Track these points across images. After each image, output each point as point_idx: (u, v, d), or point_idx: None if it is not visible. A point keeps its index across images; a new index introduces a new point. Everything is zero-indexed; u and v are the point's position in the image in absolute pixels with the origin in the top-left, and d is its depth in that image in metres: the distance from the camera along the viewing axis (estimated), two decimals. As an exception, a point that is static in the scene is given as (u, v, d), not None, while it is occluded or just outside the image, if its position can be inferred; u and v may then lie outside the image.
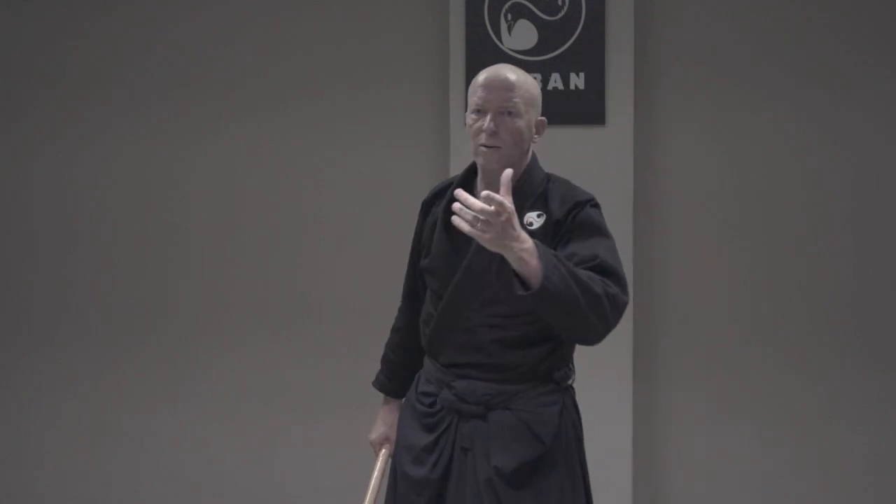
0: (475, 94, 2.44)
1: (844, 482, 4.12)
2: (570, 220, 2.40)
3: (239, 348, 4.34)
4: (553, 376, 2.49)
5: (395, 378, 2.81)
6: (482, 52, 4.03)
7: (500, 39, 4.04)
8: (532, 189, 2.46)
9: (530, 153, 2.50)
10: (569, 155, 3.98)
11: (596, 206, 2.46)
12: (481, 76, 2.47)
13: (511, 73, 2.47)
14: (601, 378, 3.98)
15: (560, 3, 4.01)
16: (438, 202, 2.61)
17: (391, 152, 4.26)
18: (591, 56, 4.00)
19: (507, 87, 2.42)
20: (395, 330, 2.86)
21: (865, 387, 4.10)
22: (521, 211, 2.39)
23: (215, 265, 4.38)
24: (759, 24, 4.10)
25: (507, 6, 4.03)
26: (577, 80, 4.01)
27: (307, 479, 4.33)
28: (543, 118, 2.51)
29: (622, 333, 4.01)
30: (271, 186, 4.33)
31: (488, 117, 2.40)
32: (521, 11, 4.03)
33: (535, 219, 2.43)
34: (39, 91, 4.42)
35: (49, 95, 4.41)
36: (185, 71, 4.35)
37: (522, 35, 4.04)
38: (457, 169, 3.96)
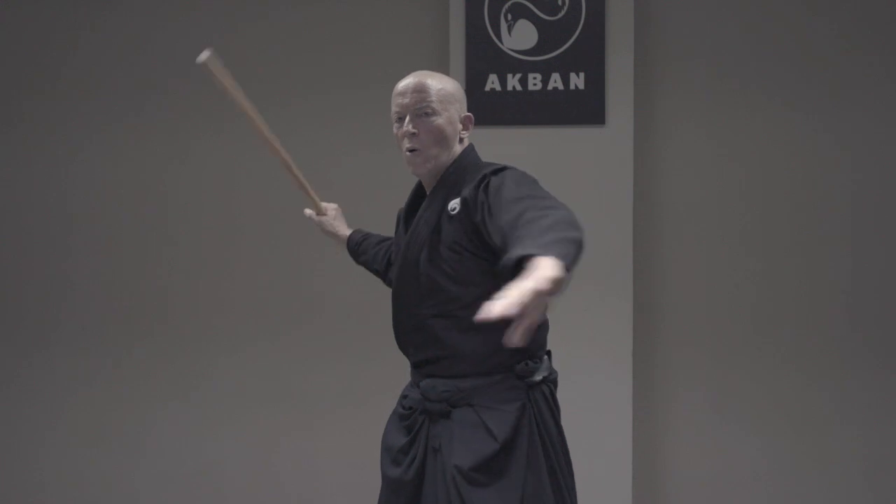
0: (393, 104, 2.55)
1: (844, 481, 4.12)
2: (476, 196, 2.34)
3: (239, 349, 4.35)
4: (514, 369, 2.47)
5: (360, 248, 3.10)
6: (482, 52, 4.03)
7: (500, 39, 4.05)
8: (457, 178, 2.49)
9: (461, 148, 2.55)
10: (569, 155, 3.99)
11: (503, 169, 2.38)
12: (398, 85, 2.55)
13: (424, 77, 2.55)
14: (601, 376, 3.98)
15: (560, 3, 4.01)
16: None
17: (391, 152, 4.25)
18: (591, 56, 4.00)
19: (419, 89, 2.50)
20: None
21: (865, 386, 4.10)
22: (447, 199, 2.46)
23: (215, 265, 4.38)
24: (759, 24, 4.10)
25: (507, 6, 4.03)
26: (577, 80, 4.01)
27: (307, 479, 4.33)
28: (469, 114, 2.59)
29: (622, 332, 4.02)
30: (271, 186, 4.33)
31: (406, 120, 2.49)
32: (521, 11, 4.03)
33: (456, 204, 2.44)
34: (39, 91, 4.42)
35: (49, 95, 4.41)
36: (184, 71, 4.34)
37: (522, 35, 4.04)
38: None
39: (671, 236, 4.16)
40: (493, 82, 4.04)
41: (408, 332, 2.57)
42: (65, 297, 4.43)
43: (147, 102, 4.37)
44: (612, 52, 4.01)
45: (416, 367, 2.59)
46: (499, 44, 4.04)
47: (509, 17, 4.04)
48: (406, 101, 2.51)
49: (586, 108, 4.01)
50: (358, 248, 3.11)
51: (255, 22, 4.32)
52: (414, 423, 2.53)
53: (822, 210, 4.11)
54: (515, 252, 1.95)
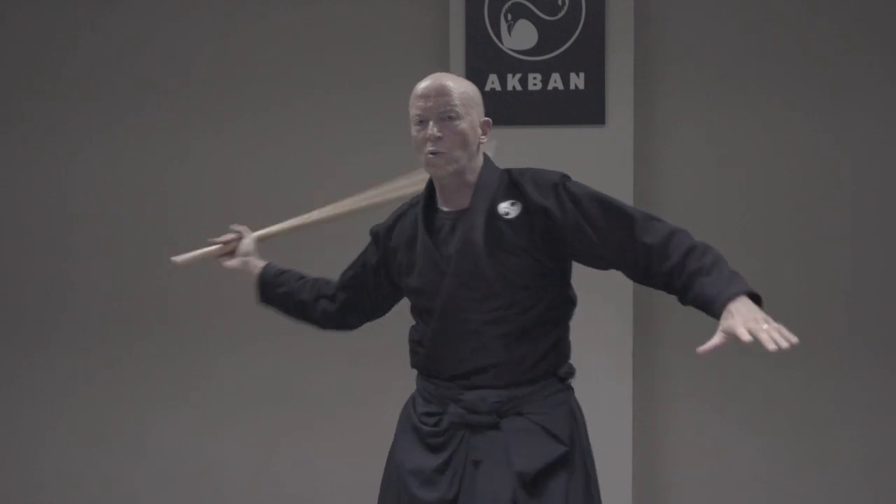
0: (414, 106, 2.47)
1: (844, 481, 4.12)
2: (563, 206, 2.42)
3: (239, 349, 4.35)
4: (557, 373, 2.50)
5: (279, 279, 2.97)
6: (482, 52, 4.03)
7: (500, 39, 4.04)
8: (492, 183, 2.48)
9: (481, 154, 2.52)
10: (569, 155, 3.99)
11: (567, 177, 2.49)
12: (418, 87, 2.48)
13: (446, 79, 2.48)
14: (601, 377, 3.98)
15: (560, 3, 4.01)
16: (398, 225, 2.63)
17: (391, 152, 4.25)
18: (591, 56, 4.00)
19: (443, 92, 2.44)
20: (321, 282, 2.93)
21: (865, 386, 4.10)
22: (492, 204, 2.44)
23: (215, 265, 4.37)
24: (759, 25, 4.10)
25: (507, 6, 4.03)
26: (577, 80, 4.01)
27: (307, 479, 4.33)
28: (488, 119, 2.54)
29: (622, 333, 4.02)
30: (271, 186, 4.33)
31: (430, 124, 2.43)
32: (521, 11, 4.03)
33: (509, 207, 2.43)
34: (39, 91, 4.42)
35: (49, 95, 4.41)
36: (184, 71, 4.35)
37: (522, 35, 4.04)
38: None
39: (671, 236, 4.15)
40: (493, 82, 4.04)
41: (453, 342, 2.48)
42: (65, 297, 4.43)
43: (147, 102, 4.36)
44: (612, 52, 4.01)
45: (454, 379, 2.48)
46: (499, 44, 4.04)
47: (509, 17, 4.04)
48: (429, 104, 2.43)
49: (586, 108, 4.01)
50: (282, 283, 2.99)
51: (255, 22, 4.32)
52: (449, 439, 2.46)
53: (822, 210, 4.11)
54: (713, 292, 2.53)
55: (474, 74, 4.03)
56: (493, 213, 2.43)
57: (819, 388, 4.11)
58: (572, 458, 2.45)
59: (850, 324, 4.10)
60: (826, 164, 4.10)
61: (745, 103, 4.11)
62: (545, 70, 4.01)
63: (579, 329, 3.97)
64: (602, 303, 3.98)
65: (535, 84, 4.03)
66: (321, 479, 4.32)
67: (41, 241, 4.44)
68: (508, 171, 2.51)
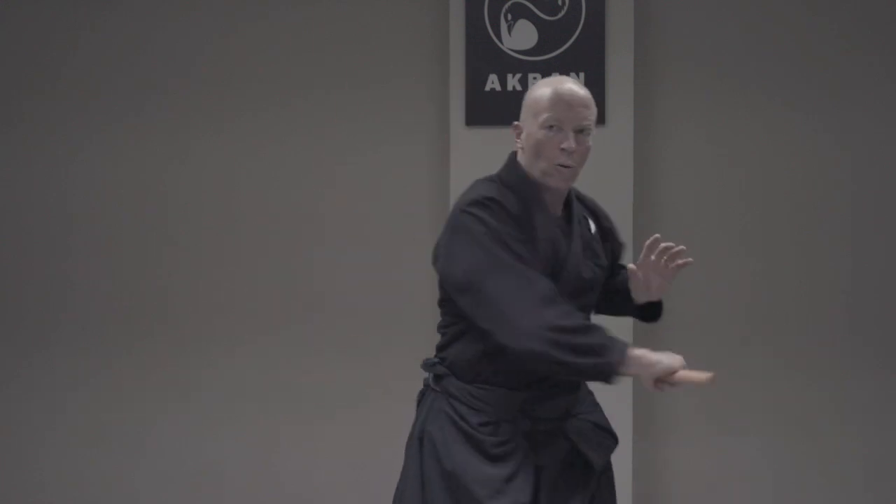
0: (551, 109, 2.35)
1: (844, 481, 4.12)
2: (614, 234, 2.69)
3: (239, 349, 4.35)
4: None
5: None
6: (482, 52, 4.03)
7: (500, 39, 4.05)
8: (572, 204, 2.54)
9: None
10: (569, 155, 3.99)
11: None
12: (557, 89, 2.37)
13: (582, 88, 2.40)
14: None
15: (560, 3, 4.01)
16: (522, 212, 2.41)
17: (391, 152, 4.26)
18: (591, 56, 4.00)
19: (584, 104, 2.37)
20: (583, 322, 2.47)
21: (865, 386, 4.10)
22: (583, 218, 2.53)
23: (215, 265, 4.38)
24: (759, 25, 4.10)
25: (507, 6, 4.03)
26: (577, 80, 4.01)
27: (307, 479, 4.33)
28: None
29: (622, 332, 4.00)
30: (271, 186, 4.33)
31: (569, 135, 2.35)
32: (521, 11, 4.03)
33: (589, 221, 2.58)
34: (39, 91, 4.42)
35: (49, 95, 4.41)
36: (184, 71, 4.35)
37: (522, 35, 4.04)
38: (456, 168, 3.98)
39: (671, 236, 4.12)
40: (493, 82, 4.04)
41: None
42: (65, 297, 4.42)
43: (147, 102, 4.36)
44: (612, 52, 4.01)
45: (531, 387, 2.40)
46: (499, 44, 4.04)
47: (509, 17, 4.04)
48: (571, 113, 2.34)
49: (586, 108, 4.01)
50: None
51: (255, 22, 4.31)
52: (516, 447, 2.39)
53: (822, 210, 4.11)
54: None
55: (474, 74, 4.04)
56: (586, 227, 2.52)
57: (819, 388, 4.11)
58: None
59: (850, 324, 4.10)
60: (826, 164, 4.10)
61: (745, 103, 4.11)
62: (545, 70, 4.01)
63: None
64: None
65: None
66: (321, 479, 4.32)
67: (41, 241, 4.44)
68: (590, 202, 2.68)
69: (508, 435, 2.40)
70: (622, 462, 4.01)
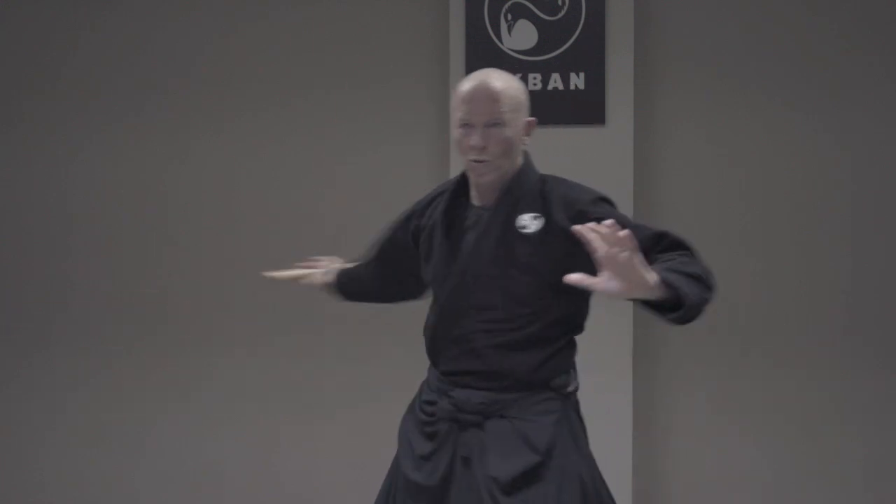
0: (460, 109, 2.37)
1: (844, 481, 4.12)
2: (566, 234, 2.26)
3: (239, 349, 4.35)
4: (550, 384, 2.44)
5: (347, 276, 2.92)
6: (482, 52, 4.03)
7: (500, 39, 4.05)
8: (523, 191, 2.40)
9: (521, 155, 2.46)
10: (569, 155, 3.99)
11: (604, 200, 2.39)
12: (464, 87, 2.38)
13: (495, 80, 2.38)
14: (601, 379, 3.98)
15: (560, 3, 4.01)
16: (430, 210, 2.58)
17: (391, 151, 4.26)
18: (591, 56, 4.00)
19: (492, 98, 2.35)
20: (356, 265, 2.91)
21: (865, 386, 4.10)
22: (513, 213, 2.37)
23: (215, 265, 4.38)
24: (759, 25, 4.10)
25: (507, 6, 4.03)
26: (577, 80, 4.01)
27: (307, 480, 4.33)
28: (532, 118, 2.45)
29: (622, 334, 4.02)
30: (271, 186, 4.33)
31: (476, 132, 2.35)
32: (521, 11, 4.03)
33: (529, 221, 2.37)
34: (39, 91, 4.42)
35: (49, 95, 4.41)
36: (184, 71, 4.35)
37: (522, 35, 4.04)
38: (457, 168, 3.97)
39: (671, 236, 4.16)
40: (493, 82, 4.03)
41: (447, 342, 2.47)
42: (65, 297, 4.43)
43: (147, 102, 4.36)
44: (612, 52, 4.01)
45: (447, 375, 2.48)
46: (499, 44, 4.04)
47: (509, 17, 4.04)
48: (477, 109, 2.34)
49: (586, 108, 4.01)
50: (349, 280, 2.95)
51: (255, 22, 4.31)
52: (438, 430, 2.46)
53: (822, 210, 4.11)
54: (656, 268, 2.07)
55: (474, 74, 4.04)
56: (510, 224, 2.37)
57: (819, 388, 4.11)
58: (550, 468, 2.36)
59: (850, 324, 4.10)
60: (826, 164, 4.10)
61: (745, 103, 4.11)
62: (545, 70, 4.01)
63: (579, 329, 3.98)
64: (602, 301, 3.98)
65: (535, 84, 4.03)
66: (321, 479, 4.32)
67: (41, 241, 4.44)
68: (543, 180, 2.43)
69: (437, 415, 2.46)
70: (622, 461, 4.02)
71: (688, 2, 4.12)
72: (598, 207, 2.34)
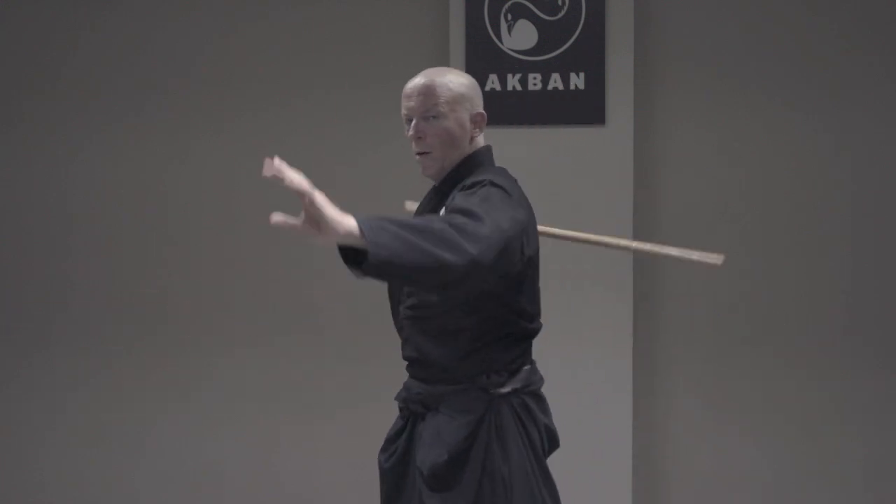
0: (401, 105, 2.49)
1: (844, 481, 4.12)
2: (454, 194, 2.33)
3: (239, 349, 4.35)
4: (477, 382, 2.42)
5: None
6: (482, 52, 4.03)
7: (500, 39, 4.04)
8: (461, 180, 2.43)
9: (472, 148, 2.50)
10: (569, 155, 3.99)
11: (492, 185, 2.32)
12: (405, 87, 2.50)
13: (432, 75, 2.48)
14: (601, 379, 3.98)
15: (560, 3, 4.01)
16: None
17: (391, 152, 4.26)
18: (591, 56, 4.00)
19: (424, 92, 2.45)
20: None
21: (865, 386, 4.10)
22: (440, 204, 2.46)
23: (215, 266, 4.38)
24: (759, 25, 4.10)
25: (507, 6, 4.03)
26: (577, 80, 4.01)
27: (307, 480, 4.33)
28: (481, 112, 2.51)
29: (622, 333, 4.01)
30: (271, 186, 4.31)
31: (413, 125, 2.46)
32: (521, 11, 4.03)
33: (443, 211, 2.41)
34: (39, 91, 4.42)
35: (49, 95, 4.41)
36: (184, 71, 4.35)
37: (522, 35, 4.04)
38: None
39: (671, 236, 4.15)
40: (493, 82, 4.04)
41: (397, 328, 2.63)
42: (65, 297, 4.43)
43: (147, 102, 4.37)
44: (612, 52, 4.01)
45: (405, 362, 2.60)
46: (499, 44, 4.04)
47: (509, 17, 4.04)
48: (412, 103, 2.46)
49: (586, 108, 4.01)
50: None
51: (255, 22, 4.32)
52: (405, 416, 2.56)
53: (822, 210, 4.11)
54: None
55: (474, 74, 4.02)
56: (436, 213, 2.44)
57: (819, 388, 4.11)
58: (463, 467, 2.36)
59: (850, 324, 4.10)
60: (826, 164, 4.10)
61: (745, 103, 4.11)
62: (545, 70, 4.01)
63: (579, 328, 3.98)
64: (601, 301, 3.98)
65: (535, 84, 4.03)
66: (321, 479, 4.32)
67: (41, 241, 4.44)
68: (474, 177, 2.41)
69: (399, 403, 2.58)
70: (622, 461, 4.02)
71: (688, 2, 4.12)
72: (479, 188, 2.30)
